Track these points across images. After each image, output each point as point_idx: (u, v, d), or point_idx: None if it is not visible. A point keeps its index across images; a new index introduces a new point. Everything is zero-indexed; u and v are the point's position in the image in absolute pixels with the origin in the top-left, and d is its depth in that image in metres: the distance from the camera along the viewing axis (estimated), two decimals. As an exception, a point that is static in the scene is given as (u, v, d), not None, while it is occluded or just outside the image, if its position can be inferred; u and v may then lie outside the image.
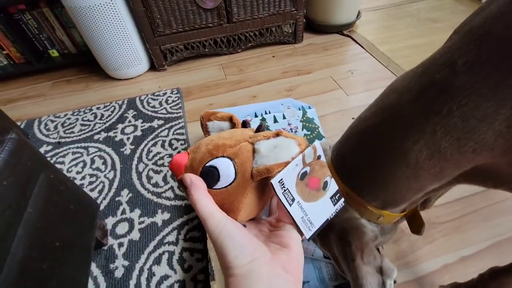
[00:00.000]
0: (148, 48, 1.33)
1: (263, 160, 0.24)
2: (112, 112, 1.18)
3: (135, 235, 0.77)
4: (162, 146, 1.01)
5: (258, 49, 1.50)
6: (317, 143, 0.26)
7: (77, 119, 1.16)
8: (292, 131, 0.94)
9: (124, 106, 1.21)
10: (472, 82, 0.27)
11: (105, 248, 0.74)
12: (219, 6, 1.26)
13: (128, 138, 1.05)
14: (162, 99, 1.22)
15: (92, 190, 0.89)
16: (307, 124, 0.96)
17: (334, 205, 0.29)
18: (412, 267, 0.66)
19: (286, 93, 1.20)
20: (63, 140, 1.08)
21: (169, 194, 0.86)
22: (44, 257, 0.47)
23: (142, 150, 1.00)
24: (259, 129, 0.28)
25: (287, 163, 0.24)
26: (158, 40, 1.30)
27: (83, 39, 1.29)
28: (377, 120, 0.36)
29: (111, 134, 1.08)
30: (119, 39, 1.24)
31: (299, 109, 1.01)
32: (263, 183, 0.26)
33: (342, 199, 0.30)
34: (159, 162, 0.95)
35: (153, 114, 1.15)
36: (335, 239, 0.42)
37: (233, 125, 0.31)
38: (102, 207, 0.84)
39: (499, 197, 0.76)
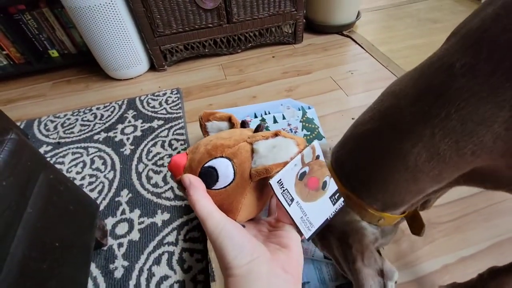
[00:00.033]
0: (148, 49, 1.33)
1: (261, 160, 0.24)
2: (112, 112, 1.18)
3: (135, 235, 0.77)
4: (162, 146, 1.01)
5: (258, 49, 1.50)
6: (316, 143, 0.26)
7: (77, 119, 1.16)
8: (292, 132, 0.94)
9: (124, 107, 1.21)
10: (470, 85, 0.27)
11: (105, 248, 0.74)
12: (219, 6, 1.26)
13: (128, 139, 1.05)
14: (162, 100, 1.22)
15: (91, 190, 0.89)
16: (307, 125, 0.96)
17: (334, 204, 0.29)
18: (412, 267, 0.66)
19: (286, 94, 1.20)
20: (62, 140, 1.08)
21: (169, 194, 0.86)
22: (44, 257, 0.47)
23: (142, 150, 1.00)
24: (258, 129, 0.28)
25: (285, 163, 0.24)
26: (158, 41, 1.30)
27: (83, 39, 1.29)
28: (376, 124, 0.36)
29: (111, 134, 1.08)
30: (119, 40, 1.24)
31: (299, 110, 1.01)
32: (262, 184, 0.26)
33: (342, 199, 0.30)
34: (159, 163, 0.95)
35: (153, 114, 1.15)
36: (336, 242, 0.42)
37: (232, 125, 0.31)
38: (101, 207, 0.84)
39: (498, 198, 0.76)
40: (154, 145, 1.02)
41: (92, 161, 0.98)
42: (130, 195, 0.86)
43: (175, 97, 1.22)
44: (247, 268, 0.22)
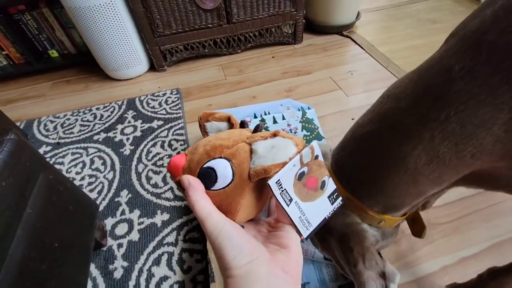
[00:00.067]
0: (147, 49, 1.33)
1: (260, 161, 0.24)
2: (112, 112, 1.18)
3: (135, 235, 0.77)
4: (162, 146, 1.01)
5: (257, 49, 1.50)
6: (314, 143, 0.26)
7: (77, 120, 1.16)
8: (291, 132, 0.94)
9: (123, 107, 1.21)
10: (469, 88, 0.27)
11: (104, 249, 0.74)
12: (219, 6, 1.26)
13: (127, 139, 1.05)
14: (162, 100, 1.22)
15: (91, 190, 0.89)
16: (306, 125, 0.96)
17: (332, 204, 0.29)
18: (412, 268, 0.66)
19: (286, 94, 1.20)
20: (62, 140, 1.08)
21: (169, 194, 0.86)
22: (43, 257, 0.47)
23: (142, 150, 1.00)
24: (256, 129, 0.28)
25: (284, 164, 0.24)
26: (157, 41, 1.30)
27: (82, 39, 1.29)
28: (375, 126, 0.36)
29: (110, 134, 1.08)
30: (119, 40, 1.24)
31: (299, 110, 1.01)
32: (261, 184, 0.26)
33: (340, 198, 0.30)
34: (159, 163, 0.95)
35: (152, 114, 1.15)
36: (336, 244, 0.42)
37: (231, 125, 0.31)
38: (101, 207, 0.84)
39: (498, 198, 0.76)
40: (154, 145, 1.02)
41: (92, 162, 0.98)
42: (129, 195, 0.86)
43: (175, 98, 1.23)
44: (246, 268, 0.22)
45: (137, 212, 0.82)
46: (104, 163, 0.97)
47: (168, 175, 0.91)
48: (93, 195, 0.87)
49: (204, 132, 0.32)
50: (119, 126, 1.11)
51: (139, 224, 0.79)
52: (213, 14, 1.28)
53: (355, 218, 0.40)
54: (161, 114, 1.15)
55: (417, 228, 0.47)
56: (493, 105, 0.27)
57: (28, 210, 0.45)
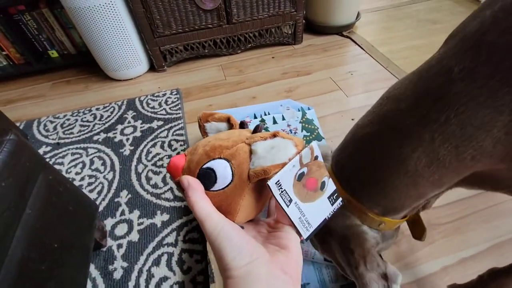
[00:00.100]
0: (147, 49, 1.33)
1: (260, 161, 0.24)
2: (112, 113, 1.18)
3: (134, 236, 0.77)
4: (162, 147, 1.01)
5: (257, 50, 1.50)
6: (314, 143, 0.26)
7: (77, 120, 1.16)
8: (291, 132, 0.94)
9: (123, 107, 1.21)
10: (469, 89, 0.27)
11: (104, 249, 0.74)
12: (218, 7, 1.26)
13: (127, 139, 1.05)
14: (162, 100, 1.22)
15: (91, 191, 0.89)
16: (306, 125, 0.96)
17: (332, 204, 0.29)
18: (412, 268, 0.66)
19: (286, 94, 1.20)
20: (62, 141, 1.08)
21: (168, 195, 0.86)
22: (43, 258, 0.47)
23: (142, 151, 1.00)
24: (256, 130, 0.28)
25: (284, 164, 0.24)
26: (157, 41, 1.30)
27: (82, 40, 1.29)
28: (375, 127, 0.36)
29: (110, 135, 1.08)
30: (119, 40, 1.24)
31: (299, 110, 1.01)
32: (260, 185, 0.26)
33: (340, 199, 0.29)
34: (159, 163, 0.95)
35: (152, 115, 1.15)
36: (337, 246, 0.42)
37: (230, 126, 0.31)
38: (101, 208, 0.84)
39: (498, 199, 0.76)
40: (153, 145, 1.02)
41: (92, 162, 0.98)
42: (129, 195, 0.86)
43: (175, 98, 1.23)
44: (246, 269, 0.22)
45: (136, 213, 0.82)
46: (104, 164, 0.97)
47: (168, 175, 0.91)
48: (92, 196, 0.87)
49: (204, 133, 0.32)
50: (119, 127, 1.11)
51: (139, 224, 0.79)
52: (213, 14, 1.28)
53: (355, 220, 0.40)
54: (161, 114, 1.15)
55: (417, 230, 0.47)
56: (493, 107, 0.26)
57: (28, 211, 0.45)
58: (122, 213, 0.82)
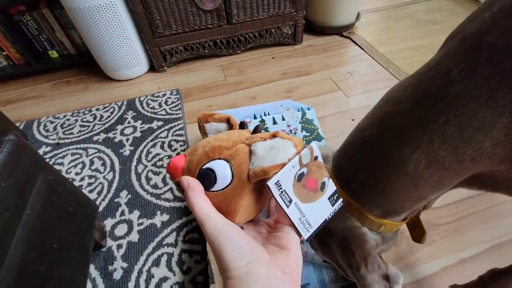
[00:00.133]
0: (147, 49, 1.33)
1: (259, 162, 0.24)
2: (112, 113, 1.18)
3: (134, 236, 0.76)
4: (162, 147, 1.01)
5: (257, 50, 1.50)
6: (314, 144, 0.26)
7: (76, 120, 1.16)
8: (291, 133, 0.94)
9: (123, 107, 1.21)
10: (468, 91, 0.27)
11: (104, 249, 0.74)
12: (218, 7, 1.26)
13: (127, 139, 1.05)
14: (162, 100, 1.22)
15: (91, 191, 0.89)
16: (306, 126, 0.96)
17: (333, 205, 0.29)
18: (412, 269, 0.66)
19: (286, 94, 1.20)
20: (62, 141, 1.08)
21: (168, 195, 0.86)
22: (43, 258, 0.47)
23: (142, 151, 1.00)
24: (256, 130, 0.28)
25: (283, 165, 0.24)
26: (157, 41, 1.30)
27: (82, 40, 1.29)
28: (374, 130, 0.36)
29: (110, 135, 1.08)
30: (119, 40, 1.24)
31: (299, 111, 1.01)
32: (260, 185, 0.26)
33: (341, 199, 0.29)
34: (158, 164, 0.95)
35: (152, 115, 1.15)
36: (337, 248, 0.42)
37: (230, 126, 0.31)
38: (101, 208, 0.84)
39: (498, 200, 0.76)
40: (153, 146, 1.02)
41: (92, 162, 0.98)
42: (129, 196, 0.86)
43: (175, 98, 1.23)
44: (245, 269, 0.22)
45: (136, 213, 0.82)
46: (103, 164, 0.97)
47: (168, 176, 0.91)
48: (92, 196, 0.87)
49: (204, 133, 0.32)
50: (119, 127, 1.11)
51: (138, 225, 0.79)
52: (213, 15, 1.28)
53: (355, 222, 0.40)
54: (161, 114, 1.15)
55: (417, 233, 0.47)
56: (492, 108, 0.26)
57: (28, 211, 0.45)
58: (122, 214, 0.82)
